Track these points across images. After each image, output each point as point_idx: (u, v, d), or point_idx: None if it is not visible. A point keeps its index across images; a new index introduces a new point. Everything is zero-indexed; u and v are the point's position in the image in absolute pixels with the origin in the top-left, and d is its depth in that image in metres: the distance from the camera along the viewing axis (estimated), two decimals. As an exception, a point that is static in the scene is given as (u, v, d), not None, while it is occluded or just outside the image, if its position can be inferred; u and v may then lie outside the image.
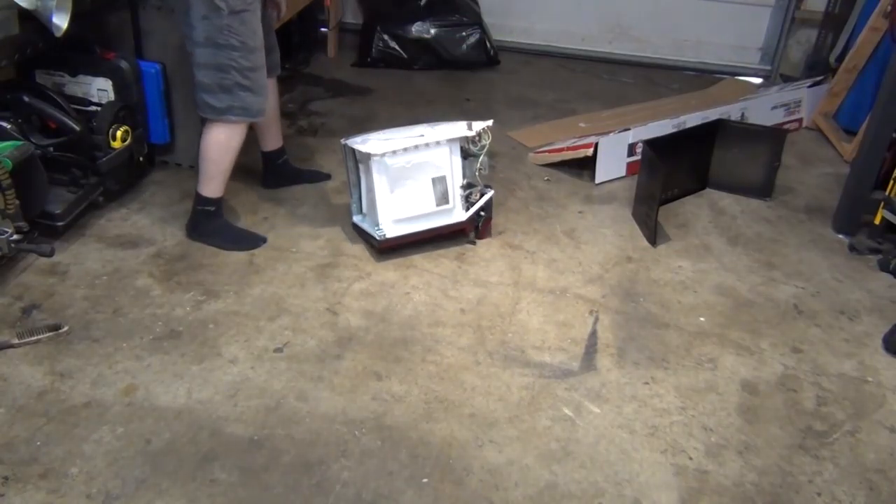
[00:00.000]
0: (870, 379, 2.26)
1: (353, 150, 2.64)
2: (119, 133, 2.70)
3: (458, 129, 2.67)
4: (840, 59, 4.03)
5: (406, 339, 2.28)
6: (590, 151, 3.21)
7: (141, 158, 2.89)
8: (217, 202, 2.61)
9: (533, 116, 3.92)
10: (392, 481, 1.82)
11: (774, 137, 3.22)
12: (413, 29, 4.43)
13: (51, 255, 2.30)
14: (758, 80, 4.61)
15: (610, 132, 3.43)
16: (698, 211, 3.13)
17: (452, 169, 2.68)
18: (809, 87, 3.94)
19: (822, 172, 3.53)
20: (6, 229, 2.23)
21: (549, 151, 3.42)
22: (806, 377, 2.25)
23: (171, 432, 1.90)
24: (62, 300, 2.33)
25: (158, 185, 2.99)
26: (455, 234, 2.76)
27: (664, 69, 4.74)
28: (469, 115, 3.81)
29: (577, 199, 3.16)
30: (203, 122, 2.58)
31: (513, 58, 4.72)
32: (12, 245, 2.24)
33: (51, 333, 2.17)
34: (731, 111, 3.56)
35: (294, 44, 4.20)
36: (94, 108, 2.72)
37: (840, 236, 2.98)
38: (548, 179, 3.30)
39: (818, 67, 4.27)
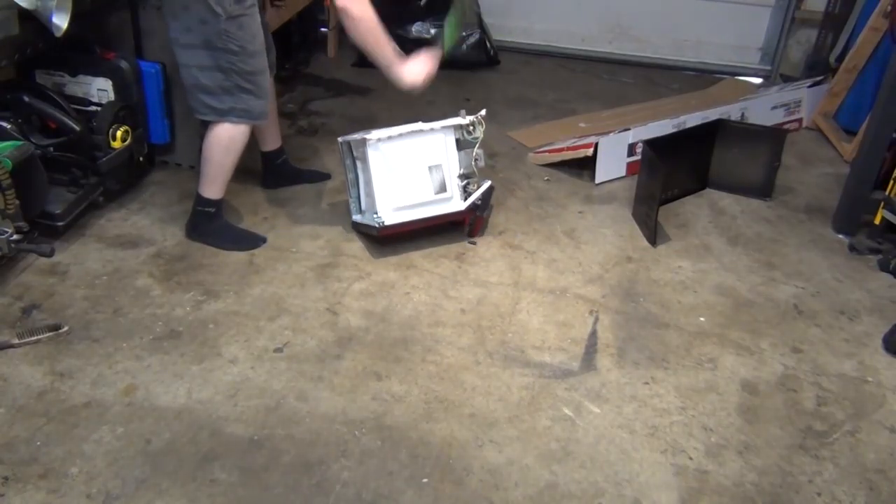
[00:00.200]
0: (870, 379, 2.26)
1: (350, 147, 2.68)
2: (119, 133, 2.70)
3: (453, 119, 2.72)
4: (840, 59, 4.03)
5: (406, 339, 2.28)
6: (590, 151, 3.21)
7: (141, 158, 2.89)
8: (217, 203, 2.61)
9: (533, 116, 3.92)
10: (392, 481, 1.82)
11: (774, 137, 3.22)
12: (413, 29, 4.42)
13: (51, 255, 2.30)
14: (758, 80, 4.61)
15: (610, 132, 3.43)
16: (698, 211, 3.13)
17: (448, 158, 2.71)
18: (809, 87, 3.94)
19: (822, 172, 3.53)
20: (6, 229, 2.23)
21: (549, 151, 3.42)
22: (806, 377, 2.25)
23: (171, 432, 1.90)
24: (62, 300, 2.33)
25: (158, 185, 2.99)
26: (454, 224, 2.78)
27: (664, 69, 4.74)
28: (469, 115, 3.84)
29: (577, 199, 3.16)
30: (202, 124, 2.58)
31: (513, 58, 4.72)
32: (12, 245, 2.24)
33: (51, 333, 2.17)
34: (731, 111, 3.56)
35: (294, 44, 4.20)
36: (94, 108, 2.72)
37: (840, 236, 2.99)
38: (548, 179, 3.30)
39: (818, 67, 4.27)
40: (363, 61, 4.47)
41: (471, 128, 2.75)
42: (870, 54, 3.72)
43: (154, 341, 2.20)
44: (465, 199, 2.73)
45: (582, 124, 3.82)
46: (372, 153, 2.60)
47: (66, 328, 2.19)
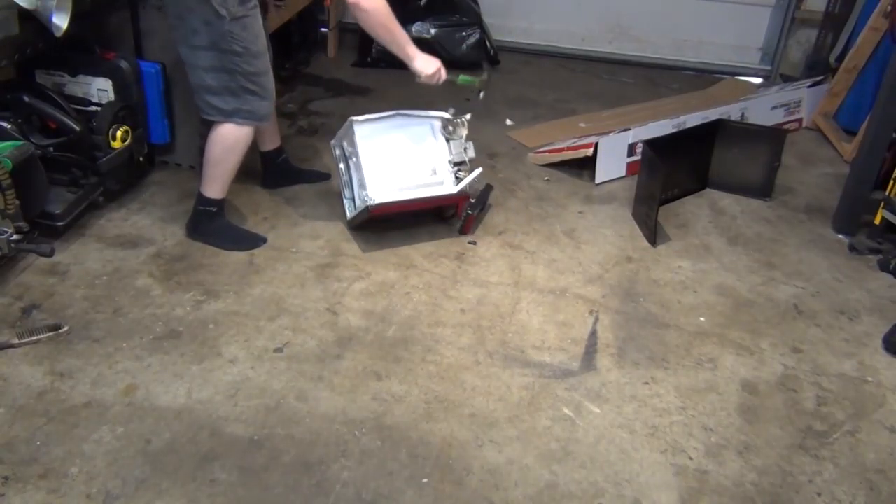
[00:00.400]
0: (870, 379, 2.26)
1: (343, 148, 2.76)
2: (119, 133, 2.70)
3: (439, 112, 2.84)
4: (840, 59, 4.03)
5: (406, 339, 2.28)
6: (590, 151, 3.21)
7: (141, 158, 2.89)
8: (219, 203, 2.61)
9: (533, 116, 3.92)
10: (392, 481, 1.82)
11: (774, 137, 3.22)
12: (413, 29, 4.41)
13: (51, 255, 2.30)
14: (758, 80, 4.61)
15: (610, 132, 3.43)
16: (698, 211, 3.13)
17: (437, 145, 2.79)
18: (809, 87, 3.94)
19: (822, 172, 3.53)
20: (6, 229, 2.23)
21: (549, 151, 3.42)
22: (806, 377, 2.25)
23: (171, 432, 1.90)
24: (62, 300, 2.33)
25: (158, 185, 2.99)
26: (446, 218, 2.79)
27: (664, 69, 4.74)
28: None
29: (577, 199, 3.16)
30: (203, 124, 2.58)
31: (513, 58, 4.72)
32: (12, 245, 2.24)
33: (51, 333, 2.17)
34: (731, 111, 3.56)
35: (294, 44, 4.20)
36: (94, 108, 2.72)
37: (840, 236, 2.99)
38: (548, 179, 3.30)
39: (818, 67, 4.27)
40: (363, 61, 4.48)
41: (451, 127, 2.82)
42: (870, 54, 3.72)
43: (154, 341, 2.20)
44: (457, 184, 2.76)
45: (582, 124, 3.82)
46: (360, 137, 2.68)
47: (66, 328, 2.19)
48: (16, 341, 2.12)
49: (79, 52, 2.70)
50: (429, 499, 1.78)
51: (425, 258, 2.67)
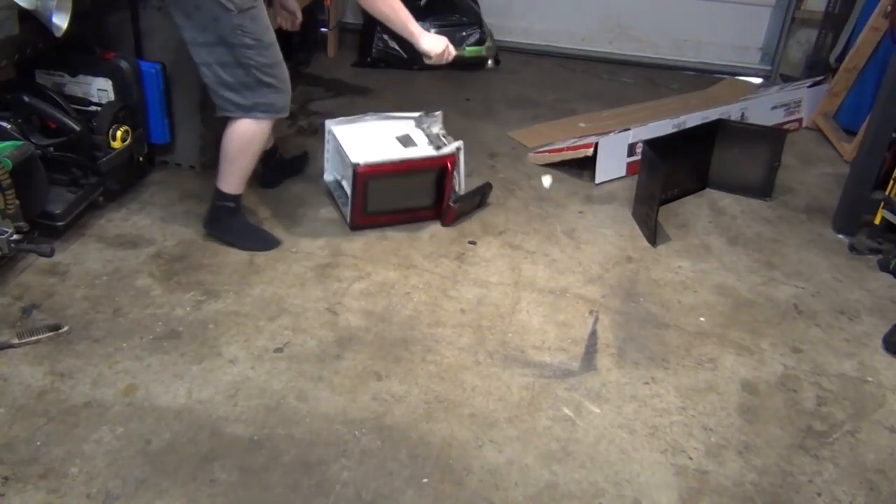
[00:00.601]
0: (870, 379, 2.26)
1: (336, 181, 2.99)
2: (119, 133, 2.70)
3: (409, 113, 2.99)
4: (840, 59, 4.03)
5: (406, 339, 2.28)
6: (590, 151, 3.21)
7: (141, 158, 2.89)
8: (236, 199, 2.60)
9: (533, 116, 3.92)
10: (392, 481, 1.82)
11: (774, 137, 3.22)
12: (413, 29, 4.42)
13: (51, 255, 2.30)
14: (758, 80, 4.61)
15: (610, 132, 3.43)
16: (698, 211, 3.13)
17: (415, 132, 2.91)
18: (809, 87, 3.94)
19: (822, 172, 3.53)
20: (6, 229, 2.23)
21: (549, 151, 3.42)
22: (806, 377, 2.25)
23: (171, 432, 1.90)
24: (62, 300, 2.33)
25: (158, 185, 2.99)
26: (431, 167, 2.81)
27: (664, 69, 4.74)
28: (469, 115, 3.85)
29: (577, 199, 3.16)
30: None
31: (513, 58, 4.72)
32: (12, 245, 2.24)
33: (51, 333, 2.17)
34: (731, 111, 3.56)
35: (294, 44, 4.19)
36: (94, 108, 2.72)
37: (840, 236, 2.99)
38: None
39: (818, 67, 4.27)
40: (363, 61, 4.48)
41: (425, 124, 2.92)
42: (870, 54, 3.72)
43: (154, 341, 2.20)
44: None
45: (582, 124, 3.82)
46: (337, 130, 2.87)
47: (66, 328, 2.19)
48: (16, 341, 2.12)
49: (79, 52, 2.70)
50: (429, 499, 1.78)
51: (425, 258, 2.67)
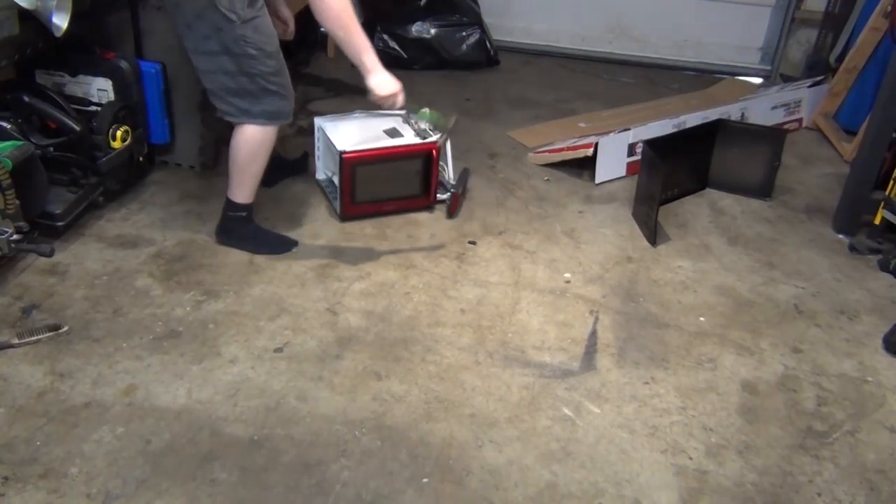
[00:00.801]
0: (870, 379, 2.26)
1: (328, 179, 3.03)
2: (119, 133, 2.70)
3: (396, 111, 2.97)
4: (840, 59, 4.03)
5: (406, 339, 2.28)
6: (590, 151, 3.21)
7: (141, 158, 2.89)
8: (248, 207, 2.60)
9: (533, 116, 3.92)
10: (392, 481, 1.82)
11: (774, 137, 3.22)
12: (413, 29, 4.43)
13: (51, 255, 2.30)
14: (758, 80, 4.61)
15: (610, 132, 3.43)
16: (698, 211, 3.13)
17: (401, 126, 2.94)
18: (809, 87, 3.94)
19: (822, 172, 3.53)
20: (6, 229, 2.23)
21: (549, 151, 3.42)
22: (806, 377, 2.25)
23: (171, 432, 1.90)
24: (62, 300, 2.33)
25: (158, 185, 2.99)
26: (416, 153, 2.85)
27: (664, 69, 4.74)
28: (469, 115, 3.85)
29: (577, 199, 3.16)
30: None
31: (513, 58, 4.72)
32: (12, 245, 2.24)
33: (51, 333, 2.17)
34: (731, 111, 3.56)
35: (294, 44, 4.20)
36: (94, 108, 2.72)
37: (840, 236, 2.99)
38: (548, 179, 3.30)
39: (818, 67, 4.28)
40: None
41: (412, 120, 2.95)
42: (870, 54, 3.72)
43: (154, 341, 2.20)
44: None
45: (582, 124, 3.82)
46: (326, 126, 2.91)
47: (66, 328, 2.19)
48: (16, 341, 2.12)
49: (79, 52, 2.70)
50: (429, 499, 1.78)
51: (425, 258, 2.68)
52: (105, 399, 1.99)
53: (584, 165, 3.30)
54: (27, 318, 2.24)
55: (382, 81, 2.49)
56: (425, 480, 1.83)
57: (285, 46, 2.52)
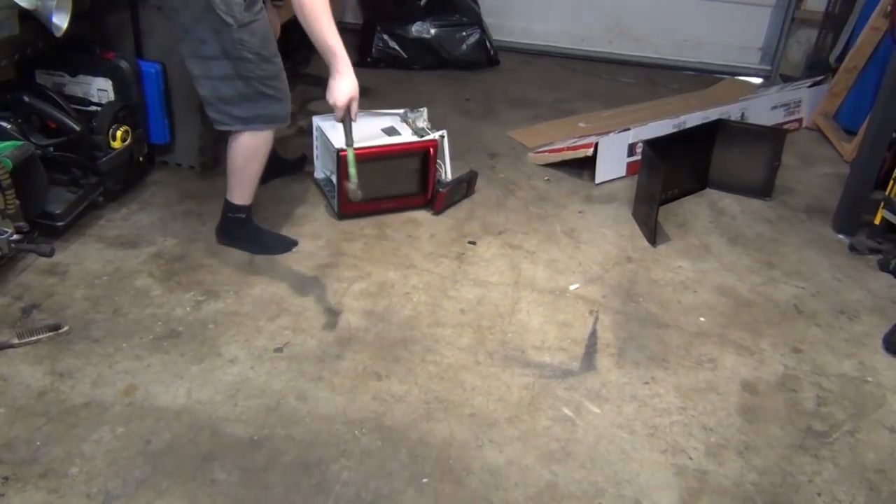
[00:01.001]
0: (870, 379, 2.26)
1: (326, 178, 3.03)
2: (119, 133, 2.70)
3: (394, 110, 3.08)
4: (840, 59, 4.03)
5: (406, 339, 2.28)
6: (590, 151, 3.21)
7: (141, 158, 2.89)
8: (247, 209, 2.60)
9: (533, 116, 3.92)
10: (392, 481, 1.82)
11: (774, 137, 3.22)
12: (413, 29, 4.43)
13: (51, 255, 2.30)
14: (758, 80, 4.61)
15: (610, 132, 3.43)
16: (698, 211, 3.13)
17: (399, 125, 2.97)
18: (809, 87, 3.94)
19: (822, 172, 3.53)
20: (6, 229, 2.23)
21: (549, 151, 3.42)
22: (806, 377, 2.25)
23: (171, 432, 1.90)
24: (62, 300, 2.33)
25: (158, 185, 2.99)
26: (414, 151, 2.87)
27: (664, 69, 4.74)
28: (469, 115, 3.85)
29: (577, 199, 3.16)
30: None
31: (513, 58, 4.72)
32: (12, 245, 2.24)
33: (51, 333, 2.17)
34: (731, 111, 3.57)
35: (294, 44, 4.20)
36: (94, 108, 2.72)
37: (840, 236, 2.99)
38: (548, 179, 3.30)
39: (818, 67, 4.28)
40: (363, 61, 4.48)
41: (410, 119, 2.97)
42: (870, 54, 3.72)
43: (154, 341, 2.20)
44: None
45: (582, 124, 3.82)
46: (324, 125, 2.92)
47: (66, 328, 2.19)
48: (16, 341, 2.12)
49: (79, 52, 2.70)
50: (429, 499, 1.78)
51: (425, 258, 2.67)
52: (105, 399, 1.99)
53: (584, 165, 3.30)
54: (27, 318, 2.24)
55: (340, 85, 2.37)
56: (425, 480, 1.83)
57: (286, 45, 2.51)
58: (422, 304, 2.44)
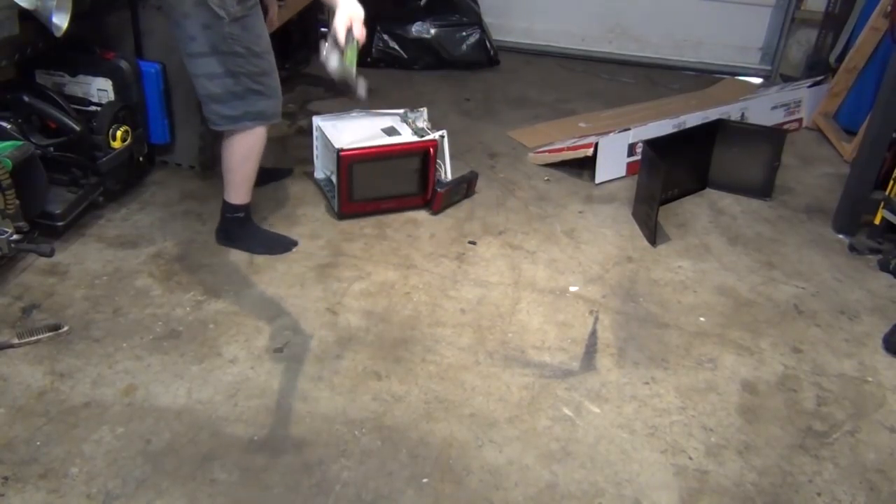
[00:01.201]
0: (870, 379, 2.26)
1: (326, 178, 3.03)
2: (119, 133, 2.70)
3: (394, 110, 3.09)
4: (840, 59, 4.03)
5: (406, 339, 2.28)
6: (590, 151, 3.21)
7: (141, 158, 2.89)
8: (245, 208, 2.60)
9: (533, 116, 3.92)
10: (392, 481, 1.82)
11: (774, 137, 3.22)
12: (413, 29, 4.43)
13: (51, 255, 2.30)
14: (758, 80, 4.61)
15: (610, 132, 3.43)
16: (698, 211, 3.13)
17: (399, 125, 2.98)
18: (809, 87, 3.94)
19: (822, 172, 3.53)
20: (6, 229, 2.23)
21: (549, 151, 3.42)
22: (806, 377, 2.25)
23: (171, 432, 1.90)
24: (62, 300, 2.33)
25: (158, 185, 2.99)
26: (413, 151, 2.87)
27: (664, 69, 4.74)
28: (469, 115, 3.85)
29: (577, 199, 3.16)
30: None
31: (513, 58, 4.72)
32: (12, 245, 2.24)
33: (51, 333, 2.17)
34: (731, 111, 3.56)
35: (294, 44, 4.20)
36: (94, 108, 2.72)
37: (840, 236, 2.99)
38: (548, 179, 3.30)
39: (818, 67, 4.28)
40: (363, 61, 4.47)
41: (410, 119, 2.99)
42: (870, 54, 3.72)
43: (154, 341, 2.20)
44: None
45: (582, 124, 3.82)
46: (324, 125, 2.93)
47: (66, 328, 2.19)
48: (16, 341, 2.12)
49: (79, 52, 2.70)
50: (429, 499, 1.78)
51: (425, 258, 2.67)
52: (105, 399, 1.99)
53: (584, 165, 3.30)
54: (27, 318, 2.24)
55: (336, 16, 2.35)
56: (425, 480, 1.83)
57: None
58: (422, 304, 2.44)
